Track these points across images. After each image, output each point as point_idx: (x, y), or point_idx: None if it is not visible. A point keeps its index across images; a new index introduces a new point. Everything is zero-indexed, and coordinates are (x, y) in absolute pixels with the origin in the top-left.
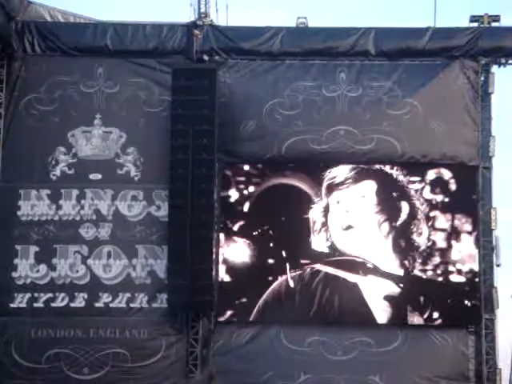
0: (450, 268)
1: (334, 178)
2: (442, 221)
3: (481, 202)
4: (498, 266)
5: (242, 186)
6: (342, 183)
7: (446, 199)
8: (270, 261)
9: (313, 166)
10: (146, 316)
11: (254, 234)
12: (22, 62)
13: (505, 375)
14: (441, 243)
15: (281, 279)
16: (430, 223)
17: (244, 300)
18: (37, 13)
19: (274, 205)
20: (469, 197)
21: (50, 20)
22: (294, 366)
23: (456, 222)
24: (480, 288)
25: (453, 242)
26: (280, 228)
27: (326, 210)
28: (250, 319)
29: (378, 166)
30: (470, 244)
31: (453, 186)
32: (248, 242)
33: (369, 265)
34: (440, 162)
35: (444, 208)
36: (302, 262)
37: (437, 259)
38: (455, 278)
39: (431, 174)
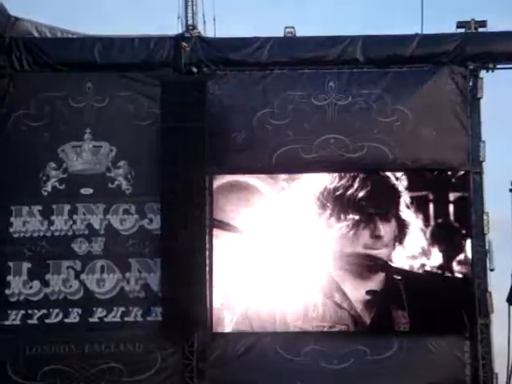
0: (444, 273)
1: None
2: (436, 226)
3: (473, 206)
4: (492, 270)
5: None
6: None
7: (439, 204)
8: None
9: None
10: (140, 330)
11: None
12: (11, 78)
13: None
14: (434, 248)
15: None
16: (423, 229)
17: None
18: (24, 29)
19: (235, 203)
20: (461, 202)
21: (37, 36)
22: (291, 376)
23: (449, 227)
24: (474, 293)
25: (446, 247)
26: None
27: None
28: (228, 330)
29: (376, 173)
30: (463, 249)
31: (444, 191)
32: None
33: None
34: (431, 167)
35: (437, 213)
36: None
37: (430, 264)
38: (449, 283)
39: (423, 179)
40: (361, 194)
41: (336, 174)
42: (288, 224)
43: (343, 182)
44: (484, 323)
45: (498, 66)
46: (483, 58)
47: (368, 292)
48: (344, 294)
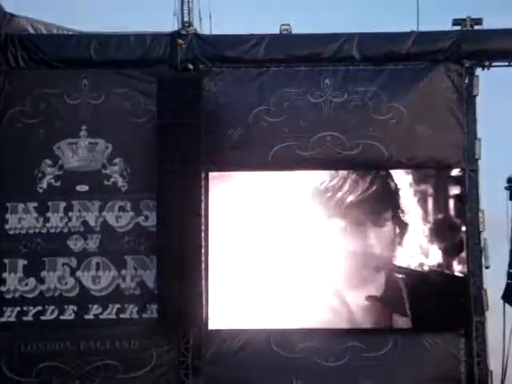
0: (439, 270)
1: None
2: (431, 224)
3: (468, 204)
4: (487, 267)
5: None
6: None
7: (435, 201)
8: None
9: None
10: (136, 327)
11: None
12: (6, 75)
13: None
14: (430, 246)
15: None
16: (418, 227)
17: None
18: (20, 25)
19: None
20: (456, 199)
21: (33, 32)
22: (287, 373)
23: (444, 225)
24: (470, 290)
25: (441, 245)
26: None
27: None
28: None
29: (370, 173)
30: (458, 246)
31: (440, 189)
32: None
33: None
34: (426, 165)
35: (432, 210)
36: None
37: (424, 262)
38: (445, 280)
39: (419, 177)
40: (349, 199)
41: (327, 176)
42: (281, 220)
43: (333, 183)
44: (479, 320)
45: (494, 64)
46: (479, 56)
47: (368, 298)
48: (343, 299)
